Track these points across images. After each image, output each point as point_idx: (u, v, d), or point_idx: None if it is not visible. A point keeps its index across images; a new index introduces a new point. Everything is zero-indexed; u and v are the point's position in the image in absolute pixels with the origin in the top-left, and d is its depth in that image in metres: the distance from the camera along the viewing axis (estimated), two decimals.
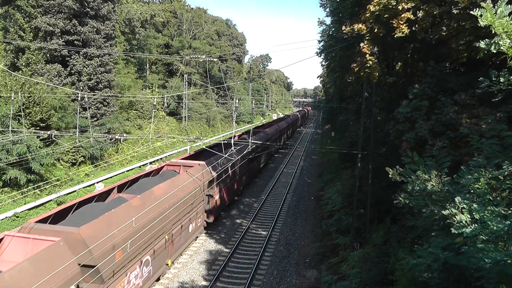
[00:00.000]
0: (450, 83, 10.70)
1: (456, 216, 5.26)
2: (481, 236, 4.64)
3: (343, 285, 12.72)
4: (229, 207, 23.65)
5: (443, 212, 5.61)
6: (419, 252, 6.35)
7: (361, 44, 12.98)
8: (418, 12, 11.18)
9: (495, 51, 4.51)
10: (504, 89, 5.10)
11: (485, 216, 4.73)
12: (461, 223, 5.03)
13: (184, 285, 14.51)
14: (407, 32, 11.35)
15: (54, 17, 30.30)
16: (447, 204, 5.71)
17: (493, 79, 5.34)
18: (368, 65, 12.87)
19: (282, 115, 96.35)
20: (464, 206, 5.28)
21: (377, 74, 13.34)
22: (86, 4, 31.69)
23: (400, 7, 11.21)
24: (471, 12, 4.73)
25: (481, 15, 4.44)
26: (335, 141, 39.10)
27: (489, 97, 9.39)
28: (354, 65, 13.69)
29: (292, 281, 15.21)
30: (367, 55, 12.76)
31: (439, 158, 7.14)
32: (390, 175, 7.29)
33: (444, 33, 10.55)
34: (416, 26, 11.31)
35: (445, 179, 6.70)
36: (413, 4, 11.21)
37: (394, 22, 11.45)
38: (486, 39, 4.61)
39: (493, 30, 4.44)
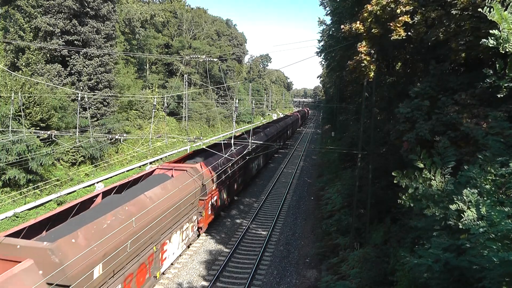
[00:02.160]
0: (450, 82, 10.70)
1: (464, 213, 5.22)
2: (488, 235, 4.60)
3: (343, 285, 12.71)
4: (229, 207, 23.66)
5: (451, 206, 5.55)
6: (420, 252, 6.33)
7: (358, 44, 13.01)
8: (415, 16, 11.19)
9: (503, 52, 4.47)
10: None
11: (492, 215, 4.69)
12: (469, 219, 4.98)
13: (184, 285, 14.51)
14: (404, 35, 11.38)
15: (54, 17, 30.30)
16: (454, 197, 5.64)
17: (498, 71, 5.30)
18: (363, 64, 12.90)
19: (282, 115, 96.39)
20: (472, 200, 5.22)
21: (372, 73, 13.35)
22: (86, 4, 31.68)
23: (398, 10, 11.22)
24: (480, 9, 4.67)
25: (490, 10, 4.41)
26: (335, 141, 39.09)
27: (489, 97, 9.40)
28: (350, 62, 13.72)
29: (292, 281, 15.20)
30: (363, 54, 12.79)
31: (444, 156, 7.14)
32: (395, 180, 7.32)
33: (442, 36, 10.56)
34: (412, 30, 11.34)
35: (448, 178, 6.69)
36: (411, 8, 11.21)
37: (391, 24, 11.46)
38: (495, 32, 4.55)
39: (500, 28, 4.40)
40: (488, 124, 7.63)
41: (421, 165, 7.24)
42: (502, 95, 5.97)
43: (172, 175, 16.73)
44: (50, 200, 23.68)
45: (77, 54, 31.94)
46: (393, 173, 7.48)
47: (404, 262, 7.31)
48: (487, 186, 5.55)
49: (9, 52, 30.51)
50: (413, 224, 7.87)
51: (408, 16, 11.23)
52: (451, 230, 5.97)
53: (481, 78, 9.89)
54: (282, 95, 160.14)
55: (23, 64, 29.49)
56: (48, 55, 30.72)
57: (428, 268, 5.76)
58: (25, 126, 23.72)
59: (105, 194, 13.44)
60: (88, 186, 27.55)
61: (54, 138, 20.86)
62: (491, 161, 5.90)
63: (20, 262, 7.68)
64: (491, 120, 7.61)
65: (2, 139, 21.28)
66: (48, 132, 19.30)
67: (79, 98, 22.57)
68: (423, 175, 7.00)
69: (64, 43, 30.86)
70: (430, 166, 7.05)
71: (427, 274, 5.91)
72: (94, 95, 32.36)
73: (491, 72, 5.84)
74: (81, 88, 31.62)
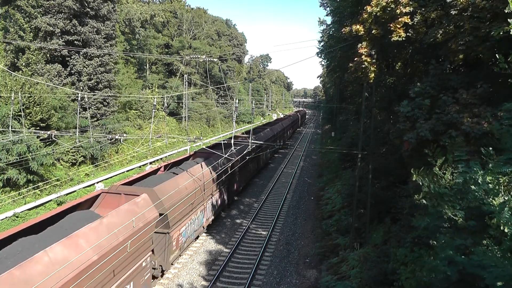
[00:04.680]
0: (451, 81, 10.68)
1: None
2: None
3: (343, 285, 12.71)
4: (229, 207, 23.66)
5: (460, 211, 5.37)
6: (438, 249, 6.25)
7: (359, 45, 13.01)
8: (415, 16, 11.20)
9: None
10: None
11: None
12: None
13: (184, 285, 14.51)
14: (404, 36, 11.39)
15: (54, 17, 30.29)
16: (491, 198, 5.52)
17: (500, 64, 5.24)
18: (364, 65, 12.89)
19: (282, 115, 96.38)
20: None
21: (372, 75, 13.35)
22: (86, 4, 31.67)
23: (398, 11, 11.22)
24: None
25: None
26: (335, 141, 39.09)
27: (490, 96, 9.40)
28: (351, 64, 13.72)
29: (292, 281, 15.20)
30: (363, 55, 12.79)
31: (456, 154, 7.13)
32: (413, 178, 7.32)
33: (440, 37, 10.57)
34: (411, 31, 11.35)
35: (456, 175, 6.67)
36: (411, 9, 11.22)
37: (391, 25, 11.47)
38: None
39: None
40: (504, 114, 7.58)
41: (434, 162, 7.24)
42: None
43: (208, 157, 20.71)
44: (50, 200, 23.66)
45: (77, 54, 31.92)
46: (411, 171, 7.49)
47: (415, 257, 7.23)
48: (491, 186, 5.51)
49: (9, 52, 30.48)
50: (416, 223, 7.84)
51: (408, 17, 11.23)
52: (457, 229, 5.95)
53: (481, 78, 9.89)
54: (282, 95, 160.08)
55: (23, 64, 29.46)
56: (48, 55, 30.69)
57: (445, 276, 5.67)
58: (25, 126, 23.71)
59: (165, 167, 18.56)
60: (88, 186, 27.54)
61: (54, 138, 20.83)
62: (494, 159, 5.86)
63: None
64: (503, 113, 7.55)
65: (2, 139, 21.27)
66: (48, 132, 19.28)
67: (79, 98, 22.54)
68: (434, 171, 7.00)
69: (64, 43, 30.84)
70: (441, 163, 7.04)
71: (434, 275, 5.89)
72: (94, 95, 32.34)
73: (503, 59, 5.82)
74: (81, 88, 31.60)
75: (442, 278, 5.71)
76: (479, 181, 5.70)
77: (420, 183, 7.16)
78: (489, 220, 5.21)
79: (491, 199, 5.32)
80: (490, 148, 6.16)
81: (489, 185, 5.54)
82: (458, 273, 5.46)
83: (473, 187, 5.71)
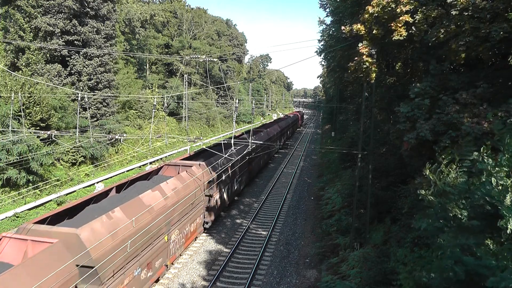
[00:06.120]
0: (451, 81, 10.67)
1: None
2: None
3: (343, 285, 12.71)
4: (229, 207, 23.66)
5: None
6: (444, 249, 6.23)
7: (359, 45, 12.98)
8: (415, 15, 11.19)
9: None
10: None
11: None
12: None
13: (184, 285, 14.51)
14: (405, 35, 11.37)
15: (54, 17, 30.28)
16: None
17: None
18: (365, 65, 12.86)
19: (282, 115, 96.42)
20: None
21: (374, 75, 13.33)
22: (86, 4, 31.66)
23: (398, 10, 11.21)
24: None
25: None
26: (335, 141, 39.10)
27: (490, 96, 9.39)
28: (351, 64, 13.68)
29: (292, 281, 15.20)
30: (364, 55, 12.76)
31: (462, 152, 7.13)
32: (426, 174, 7.31)
33: (442, 36, 10.56)
34: (413, 29, 11.33)
35: (461, 173, 6.65)
36: (411, 7, 11.20)
37: (392, 24, 11.45)
38: None
39: None
40: (506, 113, 7.55)
41: (442, 160, 7.22)
42: None
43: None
44: (50, 200, 23.66)
45: (77, 54, 31.91)
46: (426, 166, 7.46)
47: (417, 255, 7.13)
48: (502, 176, 5.46)
49: (9, 52, 30.46)
50: (416, 224, 7.82)
51: (409, 15, 11.22)
52: (459, 228, 5.94)
53: (481, 77, 9.88)
54: (282, 95, 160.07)
55: (23, 64, 29.46)
56: (48, 55, 30.68)
57: (452, 275, 5.66)
58: (25, 126, 23.70)
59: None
60: (88, 186, 27.53)
61: (54, 138, 20.85)
62: (507, 151, 5.83)
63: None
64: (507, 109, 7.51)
65: (2, 139, 21.27)
66: (48, 132, 19.27)
67: (79, 98, 22.53)
68: (441, 168, 6.99)
69: (64, 43, 30.83)
70: (448, 162, 7.02)
71: (433, 275, 5.87)
72: (94, 95, 32.34)
73: None
74: (81, 88, 31.60)
75: (444, 278, 5.70)
76: (492, 175, 5.66)
77: (431, 178, 7.13)
78: (501, 222, 5.17)
79: (502, 197, 5.29)
80: (508, 136, 6.12)
81: (500, 182, 5.51)
82: (465, 273, 5.44)
83: (484, 179, 5.66)
